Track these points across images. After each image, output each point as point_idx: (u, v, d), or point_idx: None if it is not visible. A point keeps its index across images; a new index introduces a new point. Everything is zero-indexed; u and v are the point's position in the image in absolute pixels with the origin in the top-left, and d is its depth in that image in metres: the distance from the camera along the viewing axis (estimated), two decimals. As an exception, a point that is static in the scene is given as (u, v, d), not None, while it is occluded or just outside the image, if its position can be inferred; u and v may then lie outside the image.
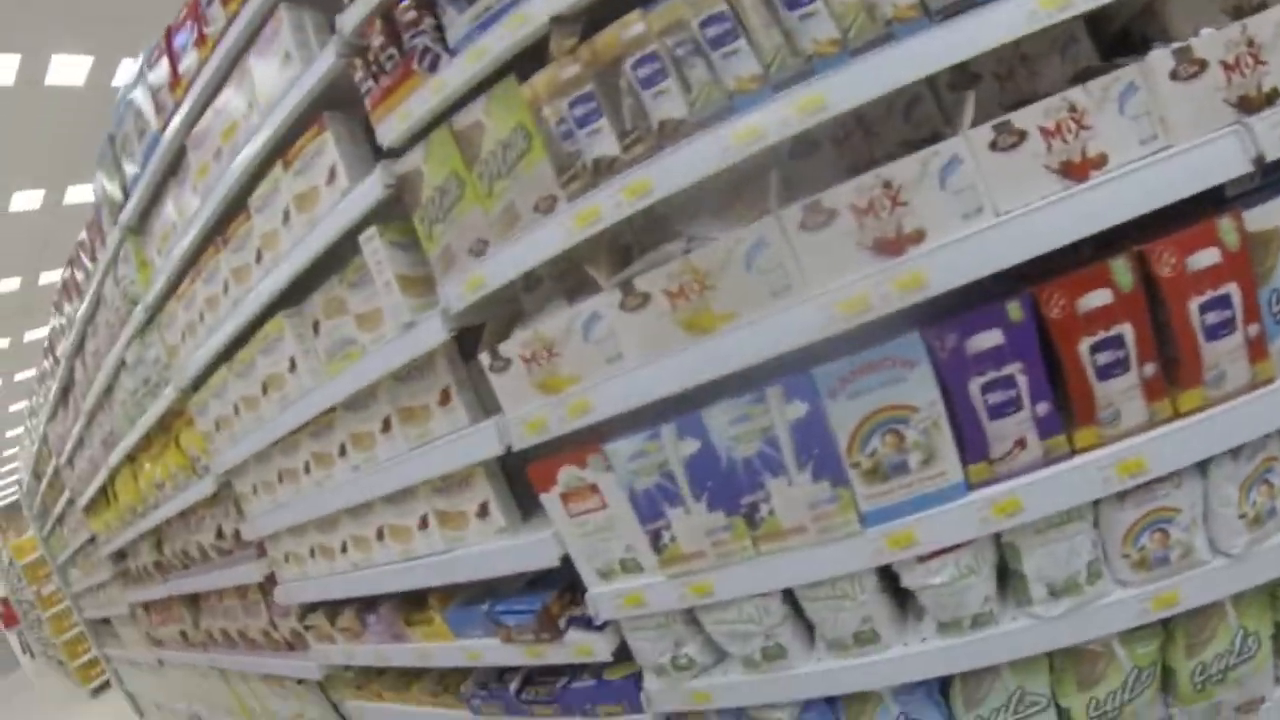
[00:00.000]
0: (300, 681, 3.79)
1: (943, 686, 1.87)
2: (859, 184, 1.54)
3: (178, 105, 2.89)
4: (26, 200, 10.15)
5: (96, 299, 4.19)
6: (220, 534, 3.65)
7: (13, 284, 12.39)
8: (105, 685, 12.55)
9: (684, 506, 1.83)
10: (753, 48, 1.60)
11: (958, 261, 1.50)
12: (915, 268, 1.52)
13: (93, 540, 6.40)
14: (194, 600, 4.74)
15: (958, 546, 1.68)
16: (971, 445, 1.63)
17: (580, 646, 2.22)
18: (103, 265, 3.90)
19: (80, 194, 10.41)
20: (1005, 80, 1.91)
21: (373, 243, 2.19)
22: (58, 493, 7.26)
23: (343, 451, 2.68)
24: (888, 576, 1.82)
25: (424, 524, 2.53)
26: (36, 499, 8.85)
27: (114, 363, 4.04)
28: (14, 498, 30.54)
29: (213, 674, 4.95)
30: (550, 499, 2.05)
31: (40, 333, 14.38)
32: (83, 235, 4.36)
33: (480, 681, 2.68)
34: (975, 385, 1.59)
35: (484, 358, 2.02)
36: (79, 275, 4.55)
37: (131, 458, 4.46)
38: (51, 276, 12.37)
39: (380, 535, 2.70)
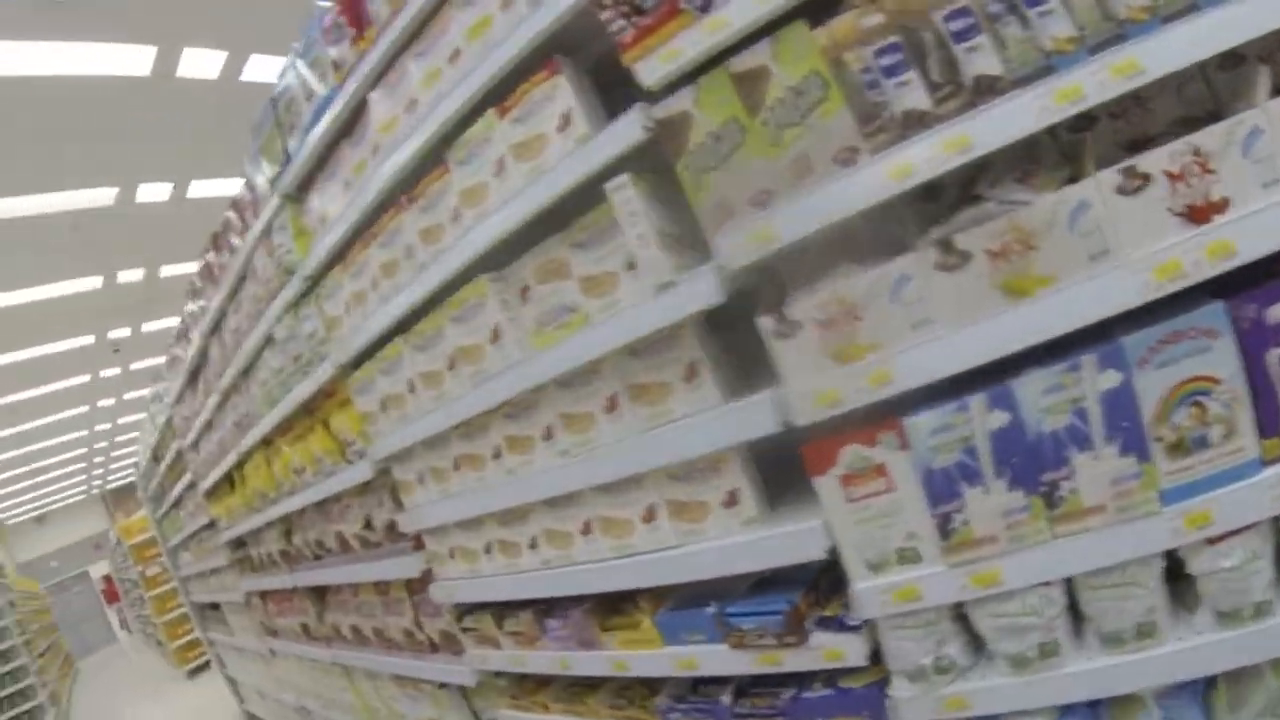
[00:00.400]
0: (442, 686, 3.39)
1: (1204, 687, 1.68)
2: (1172, 150, 1.46)
3: (362, 58, 2.59)
4: (153, 192, 10.02)
5: (242, 274, 3.88)
6: (368, 525, 3.27)
7: (135, 275, 12.31)
8: (202, 668, 12.49)
9: (983, 486, 1.64)
10: (1066, 9, 1.50)
11: (1262, 230, 1.42)
12: (1225, 235, 1.44)
13: (211, 525, 6.14)
14: (320, 593, 4.40)
15: (1246, 528, 1.54)
16: (1268, 419, 1.53)
17: (829, 650, 1.87)
18: (254, 236, 3.58)
19: (204, 189, 10.29)
20: (1268, 63, 1.72)
21: (625, 191, 1.86)
22: (177, 476, 7.06)
23: (548, 435, 2.28)
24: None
25: (650, 516, 2.13)
26: (153, 482, 8.69)
27: (258, 340, 3.71)
28: (125, 481, 31.43)
29: (333, 669, 4.60)
30: (826, 482, 1.76)
31: (158, 324, 14.51)
32: (229, 214, 4.09)
33: (675, 694, 2.28)
34: (1273, 356, 1.51)
35: (766, 322, 1.74)
36: (221, 257, 4.28)
37: (267, 441, 4.14)
38: (173, 270, 12.33)
39: (587, 530, 2.29)
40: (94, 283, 11.99)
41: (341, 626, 4.10)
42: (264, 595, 5.44)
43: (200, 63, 7.95)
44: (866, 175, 1.59)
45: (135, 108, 8.09)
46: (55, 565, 30.56)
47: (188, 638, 12.82)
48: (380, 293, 2.68)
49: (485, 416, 2.44)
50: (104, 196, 9.72)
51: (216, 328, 4.51)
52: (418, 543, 2.99)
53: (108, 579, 29.75)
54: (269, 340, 3.63)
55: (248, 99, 8.44)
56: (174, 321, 14.24)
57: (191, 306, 5.14)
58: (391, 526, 3.10)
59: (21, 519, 32.01)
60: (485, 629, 2.86)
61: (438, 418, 2.54)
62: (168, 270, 12.35)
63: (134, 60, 7.49)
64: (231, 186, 10.15)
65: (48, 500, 30.78)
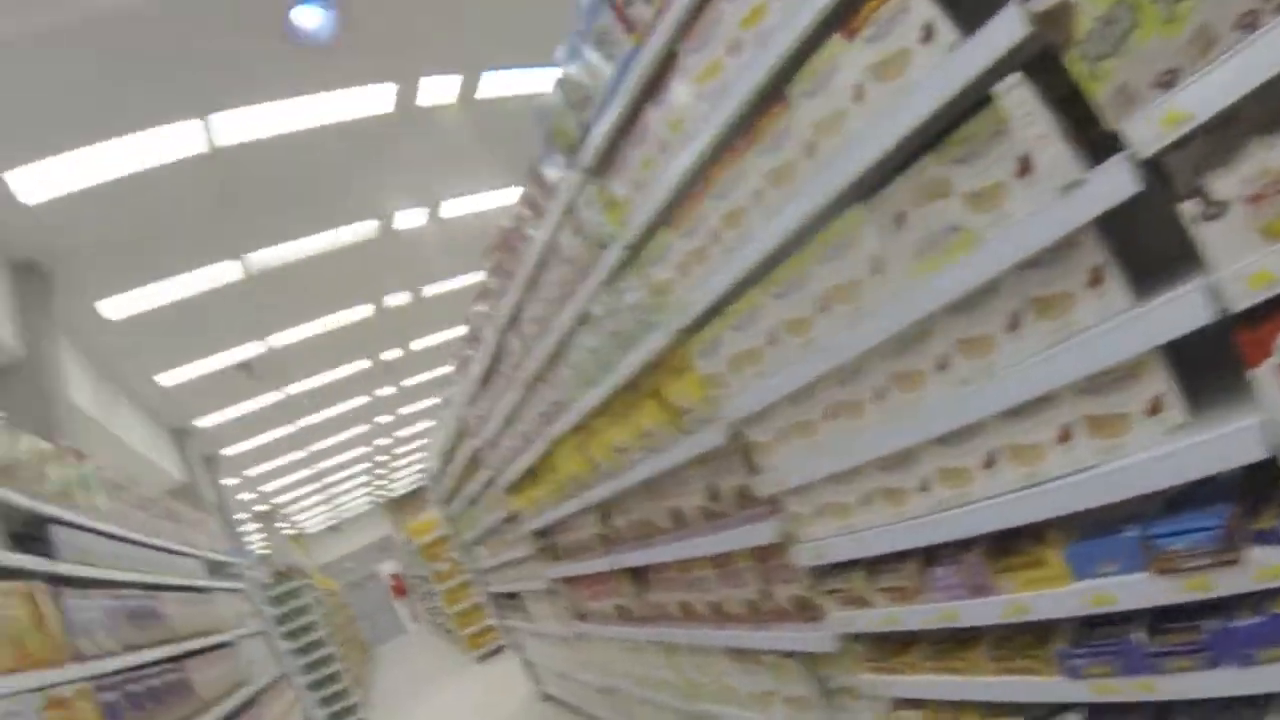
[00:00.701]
0: (787, 656, 3.16)
1: None
2: None
3: (662, 12, 2.47)
4: (410, 218, 10.48)
5: (541, 262, 3.82)
6: (713, 495, 3.07)
7: (402, 298, 12.97)
8: (493, 653, 13.11)
9: None
10: None
11: None
12: None
13: (512, 518, 6.25)
14: (638, 573, 4.28)
15: None
16: None
17: (1268, 568, 1.57)
18: (554, 221, 3.50)
19: (456, 207, 10.68)
20: None
21: (1019, 90, 1.66)
22: (472, 475, 7.27)
23: (942, 365, 2.00)
24: None
25: (1065, 436, 1.84)
26: (444, 484, 9.07)
27: (569, 322, 3.63)
28: (403, 491, 34.19)
29: (648, 648, 4.49)
30: (1264, 373, 1.52)
31: (425, 342, 15.34)
32: (518, 210, 4.08)
33: (1073, 639, 1.98)
34: None
35: (1189, 206, 1.52)
36: (513, 253, 4.27)
37: (578, 428, 4.06)
38: (435, 289, 12.99)
39: (990, 462, 2.00)
40: (366, 311, 12.77)
41: (667, 605, 3.97)
42: (571, 581, 5.44)
43: (438, 89, 8.17)
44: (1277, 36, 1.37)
45: (385, 142, 8.45)
46: (349, 566, 33.51)
47: (478, 626, 13.49)
48: (723, 245, 2.48)
49: (862, 357, 2.18)
50: (366, 229, 10.29)
51: (514, 321, 4.50)
52: (774, 506, 2.76)
53: (395, 576, 32.31)
54: (582, 320, 3.53)
55: (487, 115, 8.70)
56: (441, 337, 15.10)
57: (480, 308, 5.21)
58: (742, 493, 2.89)
59: (320, 529, 35.51)
60: (855, 588, 2.60)
61: (806, 366, 2.30)
62: (430, 290, 12.95)
63: (377, 99, 7.83)
64: (481, 201, 10.56)
65: (339, 511, 33.80)
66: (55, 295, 8.04)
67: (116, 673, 3.37)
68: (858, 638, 2.74)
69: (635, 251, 2.95)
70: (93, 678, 3.10)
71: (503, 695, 9.77)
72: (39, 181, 6.59)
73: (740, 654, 3.53)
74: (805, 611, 2.91)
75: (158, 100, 6.40)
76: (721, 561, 3.32)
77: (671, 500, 3.44)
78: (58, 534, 3.48)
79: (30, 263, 7.64)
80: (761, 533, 2.83)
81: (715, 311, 2.62)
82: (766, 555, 3.01)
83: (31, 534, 3.37)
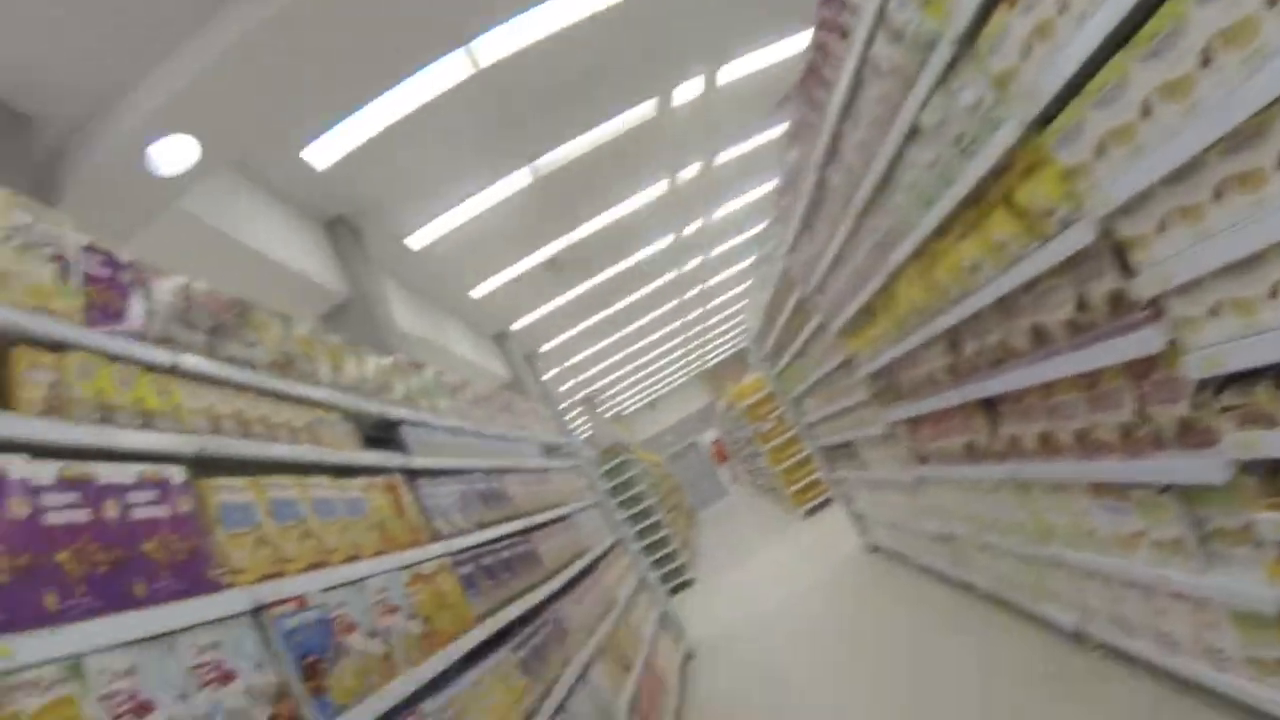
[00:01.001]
0: (1163, 490, 2.90)
1: None
2: None
3: None
4: (686, 92, 10.33)
5: (855, 85, 3.67)
6: (1081, 304, 2.85)
7: (693, 170, 12.99)
8: (818, 508, 13.48)
9: None
10: None
11: None
12: None
13: (845, 364, 6.26)
14: (991, 405, 4.13)
15: None
16: None
17: None
18: (863, 35, 3.33)
19: (731, 71, 10.35)
20: None
21: None
22: (798, 327, 7.33)
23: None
24: None
25: None
26: (768, 342, 9.25)
27: (896, 141, 3.47)
28: (718, 359, 35.66)
29: (1001, 488, 4.34)
30: None
31: (727, 207, 15.50)
32: (818, 36, 3.93)
33: None
34: None
35: None
36: (817, 86, 4.14)
37: (918, 254, 3.92)
38: (725, 155, 12.93)
39: None
40: (661, 188, 13.04)
41: (1023, 438, 3.79)
42: (913, 422, 5.37)
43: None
44: None
45: (644, 20, 8.36)
46: (669, 440, 35.73)
47: (802, 483, 13.92)
48: (1072, 11, 2.22)
49: (1261, 115, 1.84)
50: (646, 110, 10.34)
51: (833, 155, 4.39)
52: (1155, 310, 2.51)
53: (716, 443, 34.00)
54: (912, 135, 3.36)
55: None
56: (741, 201, 15.19)
57: (791, 155, 5.14)
58: (1115, 299, 2.65)
59: (638, 407, 37.96)
60: (1259, 402, 2.27)
61: (1190, 137, 2.01)
62: (722, 156, 12.93)
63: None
64: (759, 59, 10.25)
65: (656, 388, 35.86)
66: (366, 239, 9.26)
67: (470, 548, 3.88)
68: (1251, 468, 2.41)
69: (967, 43, 2.73)
70: (449, 554, 3.58)
71: (828, 548, 10.03)
72: (327, 147, 7.56)
73: (1105, 490, 3.30)
74: (1191, 435, 2.62)
75: (416, 45, 6.86)
76: (1090, 382, 3.08)
77: (1031, 317, 3.21)
78: (408, 433, 4.03)
79: (338, 218, 8.89)
80: (1141, 342, 2.57)
81: (1071, 92, 2.35)
82: (1145, 371, 2.75)
83: (385, 436, 3.92)
